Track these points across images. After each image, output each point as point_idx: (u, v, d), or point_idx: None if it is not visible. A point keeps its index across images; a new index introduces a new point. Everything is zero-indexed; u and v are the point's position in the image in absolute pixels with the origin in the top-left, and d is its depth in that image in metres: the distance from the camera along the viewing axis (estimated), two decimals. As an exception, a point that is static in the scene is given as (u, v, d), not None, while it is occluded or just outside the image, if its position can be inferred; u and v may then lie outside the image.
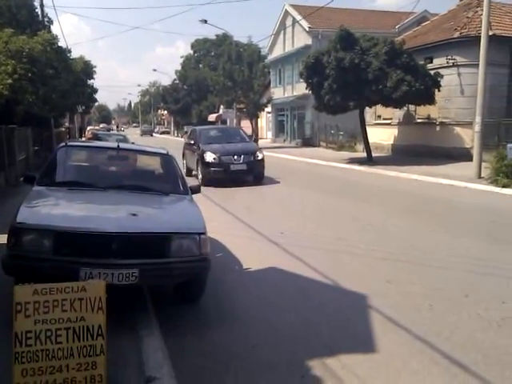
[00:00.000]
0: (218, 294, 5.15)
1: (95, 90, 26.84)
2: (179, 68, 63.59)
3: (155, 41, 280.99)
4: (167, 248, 4.21)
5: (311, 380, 3.45)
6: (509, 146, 13.18)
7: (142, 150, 6.64)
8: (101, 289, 2.95)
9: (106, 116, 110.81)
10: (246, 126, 34.50)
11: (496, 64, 17.40)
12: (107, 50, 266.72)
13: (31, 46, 13.21)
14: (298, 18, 32.93)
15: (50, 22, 21.08)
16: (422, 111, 21.12)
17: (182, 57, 65.73)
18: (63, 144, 6.08)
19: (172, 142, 41.19)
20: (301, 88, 27.41)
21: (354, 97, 18.62)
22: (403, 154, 21.42)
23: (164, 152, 6.20)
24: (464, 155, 17.76)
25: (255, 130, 36.26)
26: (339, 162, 20.65)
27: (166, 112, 78.56)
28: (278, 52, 38.33)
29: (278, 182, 14.68)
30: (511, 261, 6.26)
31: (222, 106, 47.02)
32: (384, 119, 24.14)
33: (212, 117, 51.66)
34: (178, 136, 62.86)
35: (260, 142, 32.02)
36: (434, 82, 18.20)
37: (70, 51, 20.97)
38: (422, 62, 19.31)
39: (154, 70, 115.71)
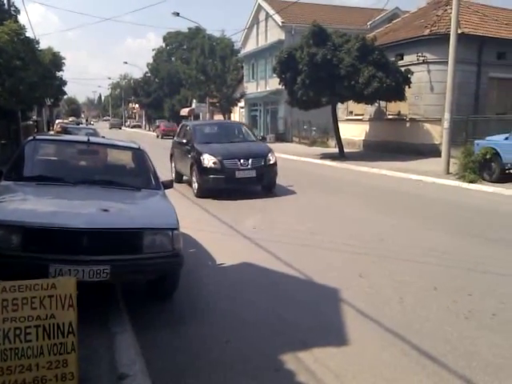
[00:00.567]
0: (192, 290, 5.13)
1: (64, 83, 26.32)
2: (151, 61, 62.79)
3: (126, 33, 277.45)
4: (139, 244, 4.16)
5: (285, 373, 3.48)
6: (476, 142, 13.53)
7: (113, 144, 6.52)
8: (71, 286, 2.90)
9: (75, 109, 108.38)
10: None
11: (464, 62, 17.83)
12: (76, 41, 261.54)
13: (-3, 37, 12.84)
14: (271, 12, 32.91)
15: (17, 11, 20.46)
16: (393, 107, 21.46)
17: (153, 50, 64.84)
18: (31, 137, 5.92)
19: (144, 137, 40.72)
20: (274, 83, 27.46)
21: (326, 92, 18.77)
22: (374, 150, 21.74)
23: (136, 146, 6.11)
24: (433, 151, 18.14)
25: (228, 124, 36.07)
26: (312, 158, 20.80)
27: (137, 105, 77.50)
28: (251, 46, 38.23)
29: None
30: (477, 254, 6.43)
31: (194, 100, 46.68)
32: (356, 115, 24.43)
33: (184, 111, 51.22)
34: (149, 130, 62.22)
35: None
36: (405, 79, 18.51)
37: (38, 42, 20.42)
38: (393, 59, 19.64)
39: (125, 63, 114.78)
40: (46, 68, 20.49)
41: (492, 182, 12.54)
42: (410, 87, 18.90)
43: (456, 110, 15.56)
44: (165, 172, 11.64)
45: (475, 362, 3.61)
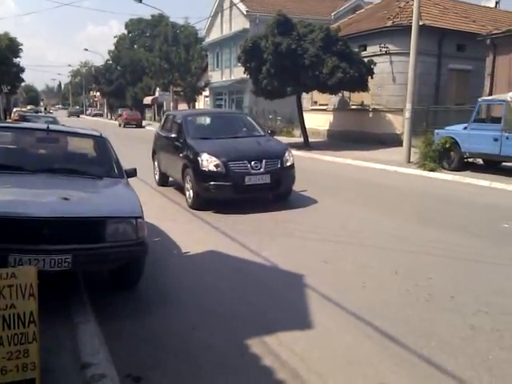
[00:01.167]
0: (158, 278, 5.09)
1: (22, 69, 25.45)
2: (112, 48, 61.40)
3: (87, 19, 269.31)
4: (102, 232, 4.09)
5: (251, 358, 3.51)
6: (436, 131, 13.89)
7: (73, 131, 6.36)
8: (31, 275, 2.82)
9: (33, 97, 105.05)
10: (184, 109, 33.94)
11: (426, 53, 18.22)
12: (34, 27, 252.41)
13: None
14: (236, 0, 32.67)
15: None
16: (356, 98, 21.74)
17: (115, 37, 63.52)
18: (-13, 125, 5.71)
19: (106, 126, 39.95)
20: (239, 72, 27.34)
21: (291, 82, 18.82)
22: (338, 140, 22.01)
23: (97, 134, 5.98)
24: (395, 141, 18.51)
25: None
26: (277, 147, 20.83)
27: (98, 94, 75.79)
28: (215, 35, 37.88)
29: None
30: (435, 239, 6.64)
31: (158, 89, 45.99)
32: (320, 105, 24.62)
33: (148, 99, 50.45)
34: (111, 119, 61.03)
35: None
36: (368, 70, 18.76)
37: (-8, 27, 19.66)
38: (356, 50, 19.83)
39: (86, 50, 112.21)
40: (2, 54, 19.74)
41: (451, 170, 12.92)
42: (372, 78, 19.18)
43: (417, 100, 15.92)
44: (133, 163, 11.15)
45: (434, 341, 3.74)
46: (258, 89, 20.38)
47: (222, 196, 8.64)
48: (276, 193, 9.00)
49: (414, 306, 4.43)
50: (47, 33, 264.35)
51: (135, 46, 59.52)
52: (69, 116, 67.10)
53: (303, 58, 17.98)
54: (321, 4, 34.89)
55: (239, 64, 22.36)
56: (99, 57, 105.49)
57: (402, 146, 15.39)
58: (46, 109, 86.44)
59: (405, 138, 15.02)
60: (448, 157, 13.15)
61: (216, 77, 37.93)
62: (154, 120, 51.91)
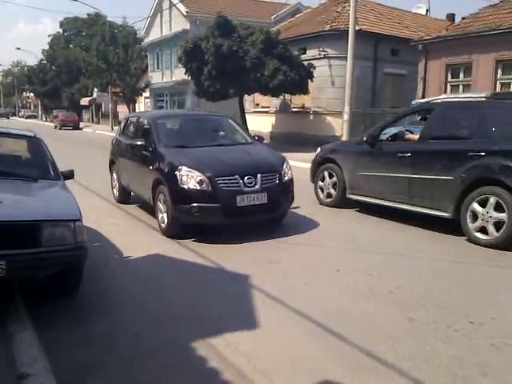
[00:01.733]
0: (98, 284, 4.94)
1: None
2: (47, 47, 59.04)
3: (18, 16, 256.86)
4: (38, 237, 3.92)
5: (197, 360, 3.48)
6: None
7: (5, 132, 6.04)
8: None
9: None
10: (123, 111, 33.25)
11: (362, 57, 18.81)
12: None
13: None
14: (175, 1, 32.33)
15: None
16: (297, 100, 22.11)
17: (49, 35, 61.14)
18: None
19: (41, 128, 38.38)
20: (180, 73, 27.04)
21: (233, 84, 18.88)
22: (281, 142, 22.25)
23: (31, 134, 5.73)
24: (335, 142, 18.94)
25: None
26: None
27: (32, 94, 72.60)
28: (155, 35, 37.25)
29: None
30: (375, 237, 6.88)
31: (95, 89, 44.69)
32: (262, 107, 24.82)
33: (85, 100, 48.90)
34: (46, 120, 58.65)
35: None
36: (308, 73, 19.13)
37: None
38: (296, 53, 20.16)
39: (18, 49, 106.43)
40: None
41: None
42: (312, 81, 19.56)
43: (355, 103, 16.41)
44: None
45: (374, 334, 3.87)
46: (199, 90, 20.28)
47: (207, 221, 6.75)
48: (273, 215, 7.23)
49: (355, 303, 4.55)
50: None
51: (71, 46, 57.53)
52: None
53: (244, 60, 18.08)
54: (261, 7, 35.22)
55: (180, 65, 22.13)
56: (33, 56, 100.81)
57: (341, 147, 15.77)
58: None
59: (344, 140, 15.43)
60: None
61: (156, 78, 37.33)
62: (92, 121, 50.44)
